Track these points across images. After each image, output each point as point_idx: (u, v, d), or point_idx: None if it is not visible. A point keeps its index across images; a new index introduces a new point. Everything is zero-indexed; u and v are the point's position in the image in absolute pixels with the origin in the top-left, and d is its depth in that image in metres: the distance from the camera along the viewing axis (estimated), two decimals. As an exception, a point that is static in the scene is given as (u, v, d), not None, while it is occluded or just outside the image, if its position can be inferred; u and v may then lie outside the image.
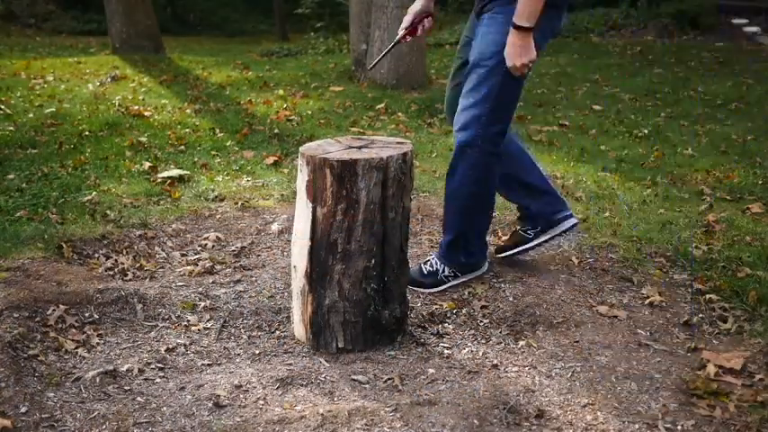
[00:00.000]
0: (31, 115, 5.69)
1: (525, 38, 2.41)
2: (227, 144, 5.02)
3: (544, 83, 7.80)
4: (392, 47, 2.79)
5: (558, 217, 2.89)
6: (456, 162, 2.63)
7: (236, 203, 3.74)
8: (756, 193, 4.09)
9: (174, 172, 4.19)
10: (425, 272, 2.80)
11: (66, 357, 2.28)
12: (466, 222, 2.73)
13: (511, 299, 2.70)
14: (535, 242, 2.94)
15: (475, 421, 1.93)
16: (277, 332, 2.49)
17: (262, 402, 2.03)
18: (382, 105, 6.46)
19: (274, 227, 3.43)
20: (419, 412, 1.97)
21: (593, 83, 7.80)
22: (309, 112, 6.19)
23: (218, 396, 2.05)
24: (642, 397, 2.09)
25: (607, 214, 3.70)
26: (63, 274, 2.75)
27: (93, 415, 1.97)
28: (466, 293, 2.76)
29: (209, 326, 2.51)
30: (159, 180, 4.07)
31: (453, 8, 14.97)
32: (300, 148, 2.28)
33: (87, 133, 5.14)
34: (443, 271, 2.78)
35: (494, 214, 3.27)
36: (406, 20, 2.74)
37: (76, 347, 2.33)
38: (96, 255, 3.07)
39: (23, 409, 1.96)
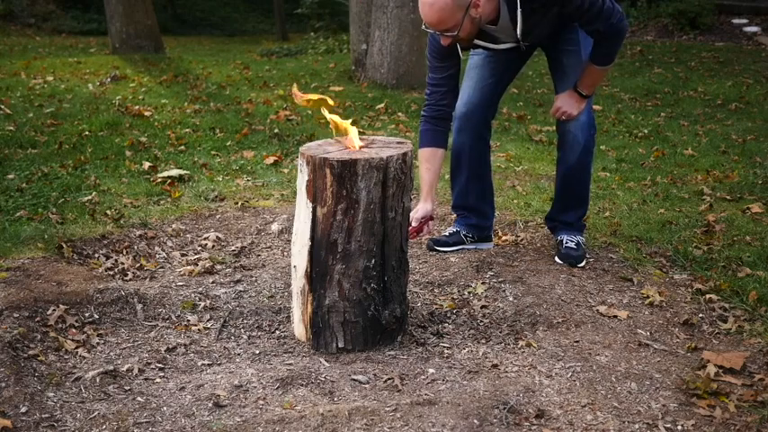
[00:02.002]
0: (31, 115, 5.69)
1: (582, 101, 2.87)
2: (227, 144, 5.02)
3: (544, 83, 7.80)
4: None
5: (489, 234, 3.23)
6: (589, 153, 3.01)
7: (236, 203, 3.74)
8: (756, 193, 4.09)
9: (174, 172, 4.19)
10: (578, 245, 3.03)
11: (67, 357, 2.28)
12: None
13: (511, 299, 2.70)
14: (469, 247, 3.18)
15: (475, 421, 1.93)
16: (277, 332, 2.49)
17: (262, 402, 2.03)
18: (382, 105, 6.46)
19: (274, 227, 3.42)
20: (419, 412, 1.96)
21: (593, 83, 7.79)
22: (309, 112, 6.19)
23: (218, 396, 2.05)
24: (642, 397, 2.09)
25: (607, 214, 3.70)
26: (63, 274, 2.75)
27: (93, 415, 1.97)
28: (466, 293, 2.76)
29: (209, 326, 2.51)
30: (159, 180, 4.07)
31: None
32: (300, 148, 2.28)
33: (87, 133, 5.15)
34: (583, 241, 3.10)
35: (496, 214, 3.28)
36: (413, 222, 2.83)
37: (76, 347, 2.33)
38: (96, 255, 3.07)
39: (23, 409, 1.96)
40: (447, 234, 3.20)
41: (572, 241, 3.05)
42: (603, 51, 2.73)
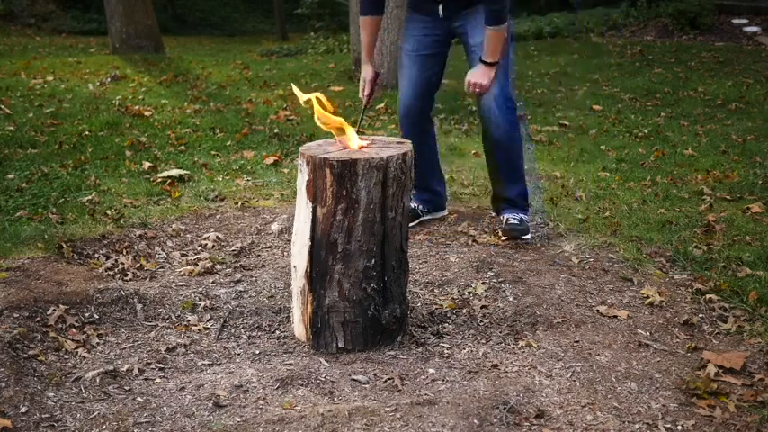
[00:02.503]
0: (31, 115, 5.69)
1: (489, 69, 3.02)
2: (227, 144, 5.02)
3: (544, 83, 7.80)
4: (364, 111, 3.22)
5: (442, 203, 3.54)
6: (510, 126, 3.12)
7: (236, 203, 3.74)
8: (756, 193, 4.09)
9: (174, 172, 4.19)
10: (521, 221, 3.17)
11: (67, 357, 2.28)
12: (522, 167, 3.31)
13: (511, 299, 2.70)
14: (427, 218, 3.49)
15: (475, 421, 1.93)
16: (277, 332, 2.49)
17: (262, 402, 2.03)
18: (382, 105, 6.45)
19: (274, 227, 3.43)
20: (419, 412, 1.97)
21: (593, 83, 7.80)
22: (309, 112, 6.19)
23: (218, 396, 2.05)
24: (642, 397, 2.09)
25: (607, 214, 3.70)
26: (63, 274, 2.75)
27: (93, 415, 1.97)
28: (466, 293, 2.76)
29: (209, 326, 2.51)
30: (159, 180, 4.07)
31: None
32: (300, 148, 2.28)
33: (87, 133, 5.15)
34: (527, 220, 3.27)
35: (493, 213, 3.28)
36: (367, 88, 3.21)
37: (76, 347, 2.33)
38: (96, 255, 3.07)
39: (23, 409, 1.96)
40: None
41: (515, 218, 3.16)
42: (492, 8, 2.89)
